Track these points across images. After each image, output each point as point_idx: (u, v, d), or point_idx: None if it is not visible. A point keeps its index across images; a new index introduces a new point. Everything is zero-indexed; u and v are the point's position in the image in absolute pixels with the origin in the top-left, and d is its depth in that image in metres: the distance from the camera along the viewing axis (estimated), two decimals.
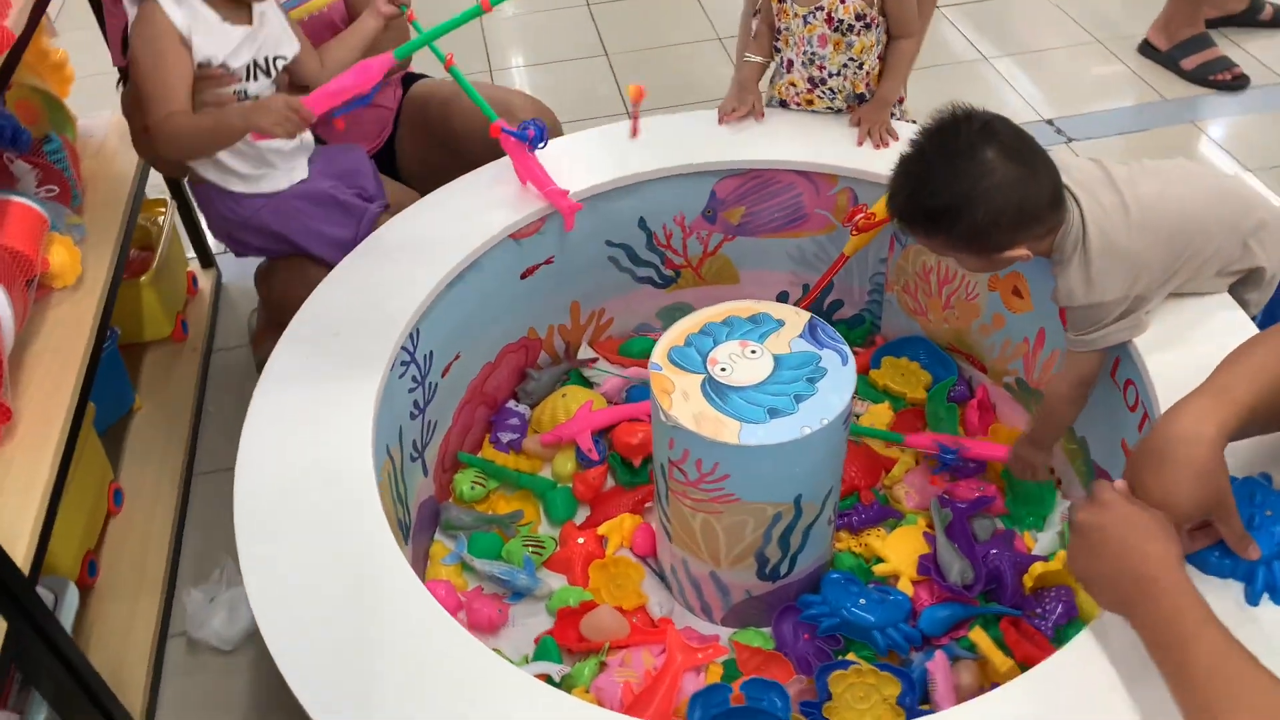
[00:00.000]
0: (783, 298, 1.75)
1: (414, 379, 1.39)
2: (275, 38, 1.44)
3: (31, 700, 1.30)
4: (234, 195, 1.49)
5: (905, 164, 1.20)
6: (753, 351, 1.23)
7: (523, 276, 1.56)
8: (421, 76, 1.87)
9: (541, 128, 1.50)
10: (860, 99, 1.61)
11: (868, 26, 1.54)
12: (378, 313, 1.35)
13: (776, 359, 1.21)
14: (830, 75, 1.58)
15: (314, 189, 1.51)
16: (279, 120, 1.30)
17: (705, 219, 1.65)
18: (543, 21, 3.05)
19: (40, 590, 1.30)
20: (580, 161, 1.58)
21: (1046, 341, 1.44)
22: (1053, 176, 1.17)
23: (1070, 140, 2.40)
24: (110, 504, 1.61)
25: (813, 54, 1.57)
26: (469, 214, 1.50)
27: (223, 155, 1.43)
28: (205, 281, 2.10)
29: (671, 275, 1.72)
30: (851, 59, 1.57)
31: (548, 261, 1.58)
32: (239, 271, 2.17)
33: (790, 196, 1.62)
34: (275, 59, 1.44)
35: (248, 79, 1.42)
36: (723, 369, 1.21)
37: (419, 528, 1.45)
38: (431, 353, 1.43)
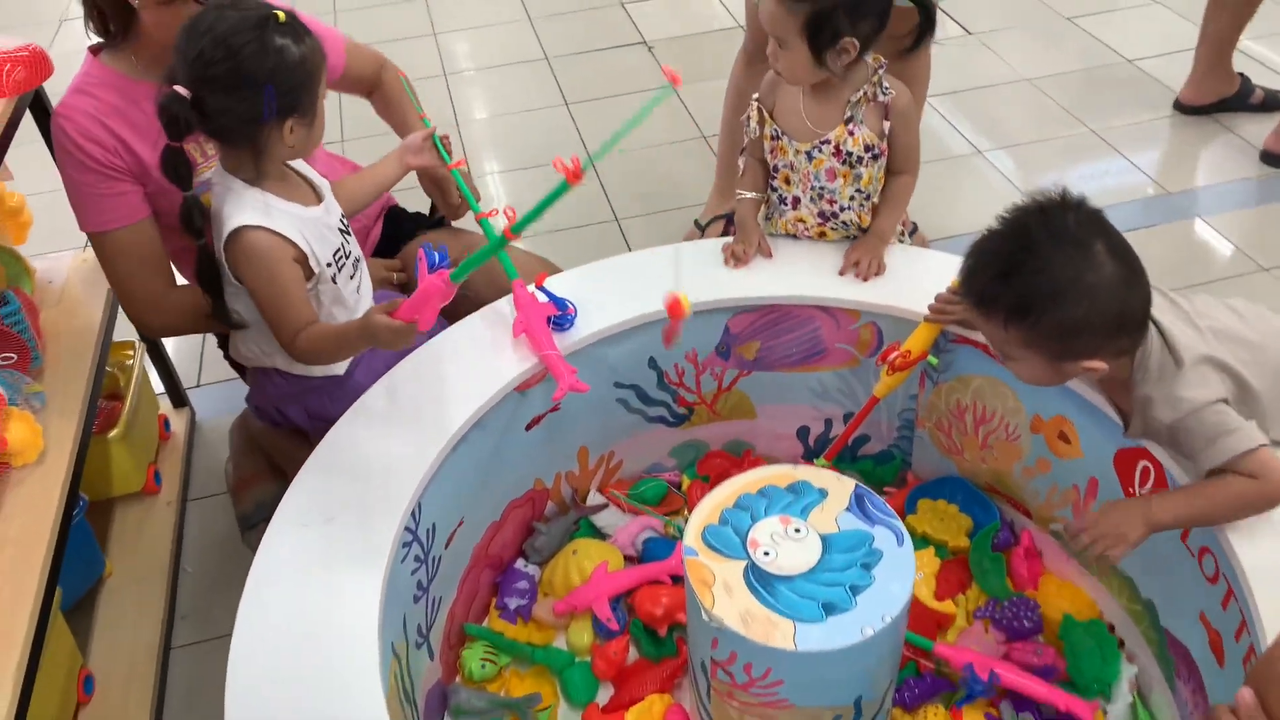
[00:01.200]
0: (803, 432, 1.64)
1: (416, 558, 1.26)
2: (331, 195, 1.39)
3: None
4: (296, 376, 1.41)
5: (994, 241, 1.10)
6: (796, 530, 1.11)
7: (527, 428, 1.45)
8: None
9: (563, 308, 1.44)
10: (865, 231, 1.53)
11: (875, 158, 1.47)
12: (376, 493, 1.22)
13: (824, 540, 1.10)
14: (842, 209, 1.50)
15: (378, 369, 1.42)
16: (393, 341, 1.19)
17: (719, 355, 1.55)
18: (517, 122, 2.97)
19: None
20: (588, 302, 1.48)
21: (1100, 492, 1.33)
22: (1148, 288, 1.09)
23: None
24: (80, 692, 1.45)
25: (822, 188, 1.49)
26: (469, 367, 1.38)
27: None
28: (178, 422, 1.96)
29: (684, 413, 1.61)
30: (859, 190, 1.49)
31: (553, 409, 1.46)
32: (214, 407, 2.04)
33: (809, 331, 1.52)
34: (341, 218, 1.39)
35: (345, 253, 1.37)
36: (766, 553, 1.09)
37: (426, 718, 1.31)
38: (434, 525, 1.30)
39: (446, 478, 1.30)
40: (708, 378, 1.57)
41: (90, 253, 1.71)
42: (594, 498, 1.60)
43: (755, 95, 1.52)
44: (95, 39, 1.41)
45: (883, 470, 1.63)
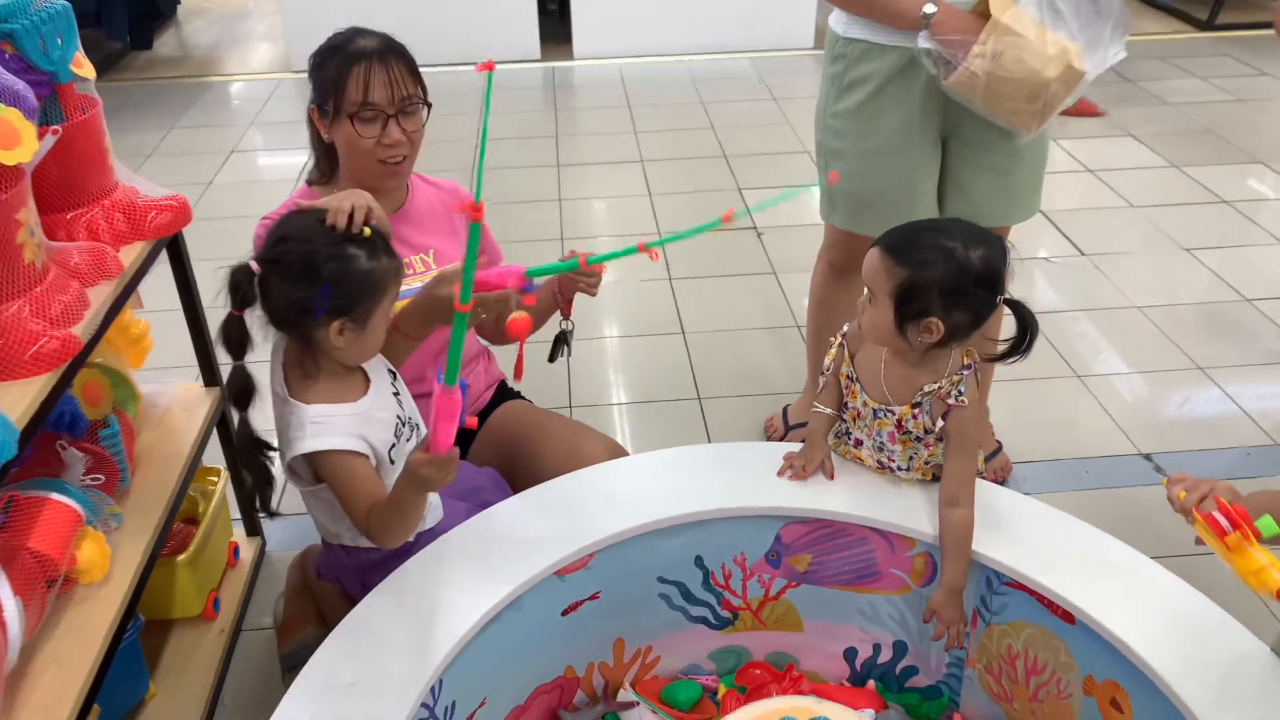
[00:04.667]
0: (850, 654, 1.59)
1: None
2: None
3: None
4: (362, 550, 1.48)
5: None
6: None
7: (564, 614, 1.45)
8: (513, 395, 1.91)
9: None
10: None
11: (937, 440, 1.46)
12: (400, 664, 1.23)
13: None
14: (899, 469, 1.50)
15: (449, 525, 1.47)
16: (434, 477, 1.21)
17: (769, 563, 1.53)
18: (627, 293, 3.08)
19: None
20: (636, 491, 1.50)
21: None
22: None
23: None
24: None
25: (882, 445, 1.49)
26: (513, 546, 1.41)
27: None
28: (248, 551, 2.03)
29: (729, 617, 1.58)
30: (916, 454, 1.48)
31: (592, 598, 1.47)
32: (286, 538, 2.11)
33: (862, 551, 1.50)
34: (394, 375, 1.46)
35: (402, 422, 1.43)
36: None
37: None
38: (454, 703, 1.30)
39: (474, 656, 1.31)
40: (755, 584, 1.56)
41: (199, 388, 1.85)
42: (625, 694, 1.58)
43: (845, 329, 1.51)
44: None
45: (929, 706, 1.56)
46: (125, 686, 1.61)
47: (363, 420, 1.36)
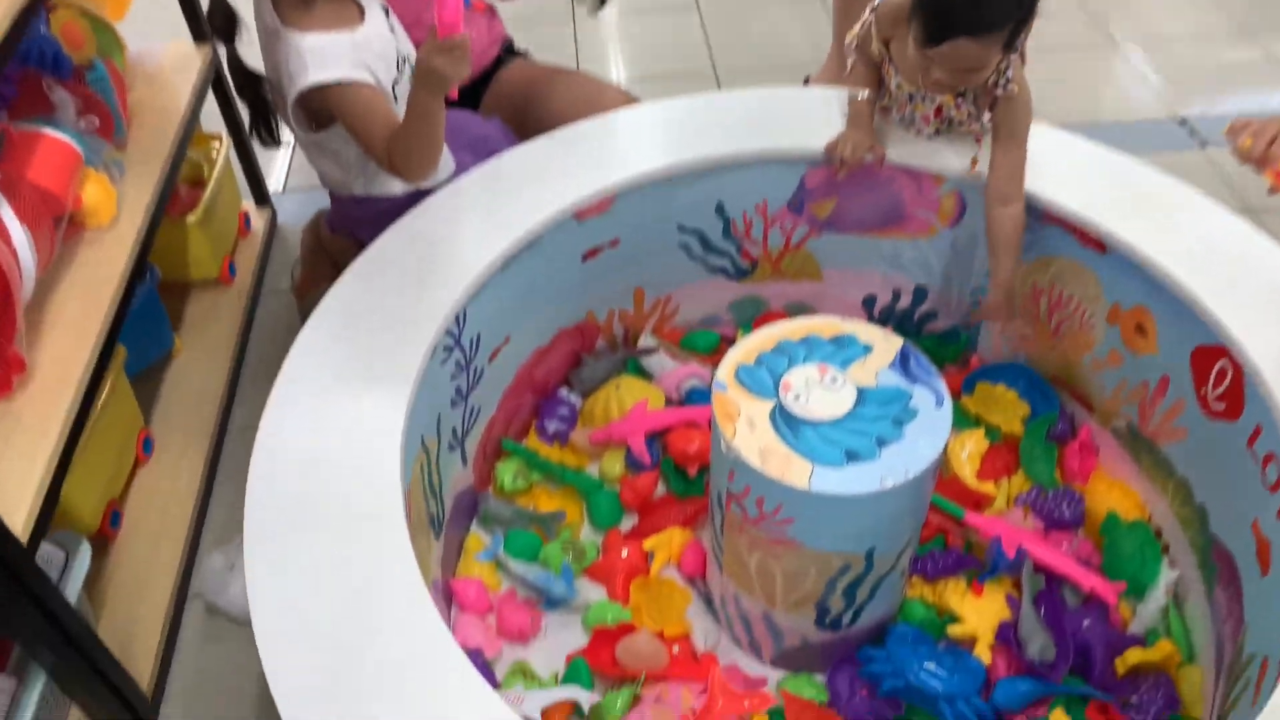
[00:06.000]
0: (870, 301, 1.59)
1: (458, 364, 1.27)
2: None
3: (31, 666, 1.23)
4: (374, 198, 1.42)
5: None
6: (833, 380, 1.08)
7: (584, 259, 1.43)
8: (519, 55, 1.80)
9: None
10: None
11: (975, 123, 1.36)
12: (420, 298, 1.22)
13: (860, 392, 1.06)
14: (927, 138, 1.41)
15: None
16: (447, 69, 1.11)
17: (791, 210, 1.49)
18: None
19: (49, 547, 1.23)
20: (657, 135, 1.43)
21: (1169, 391, 1.26)
22: None
23: (1205, 144, 2.16)
24: (139, 451, 1.54)
25: (912, 118, 1.40)
26: (531, 188, 1.36)
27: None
28: (259, 221, 2.00)
29: (747, 267, 1.57)
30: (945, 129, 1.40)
31: (612, 244, 1.44)
32: (296, 213, 2.07)
33: (889, 193, 1.45)
34: (386, 11, 1.36)
35: (402, 57, 1.35)
36: (796, 396, 1.06)
37: (454, 519, 1.35)
38: (479, 335, 1.30)
39: (495, 292, 1.29)
40: (776, 232, 1.52)
41: (189, 45, 1.74)
42: (646, 340, 1.59)
43: (876, 4, 1.36)
44: None
45: (946, 349, 1.57)
46: (149, 336, 1.62)
47: (363, 49, 1.27)
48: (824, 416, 1.04)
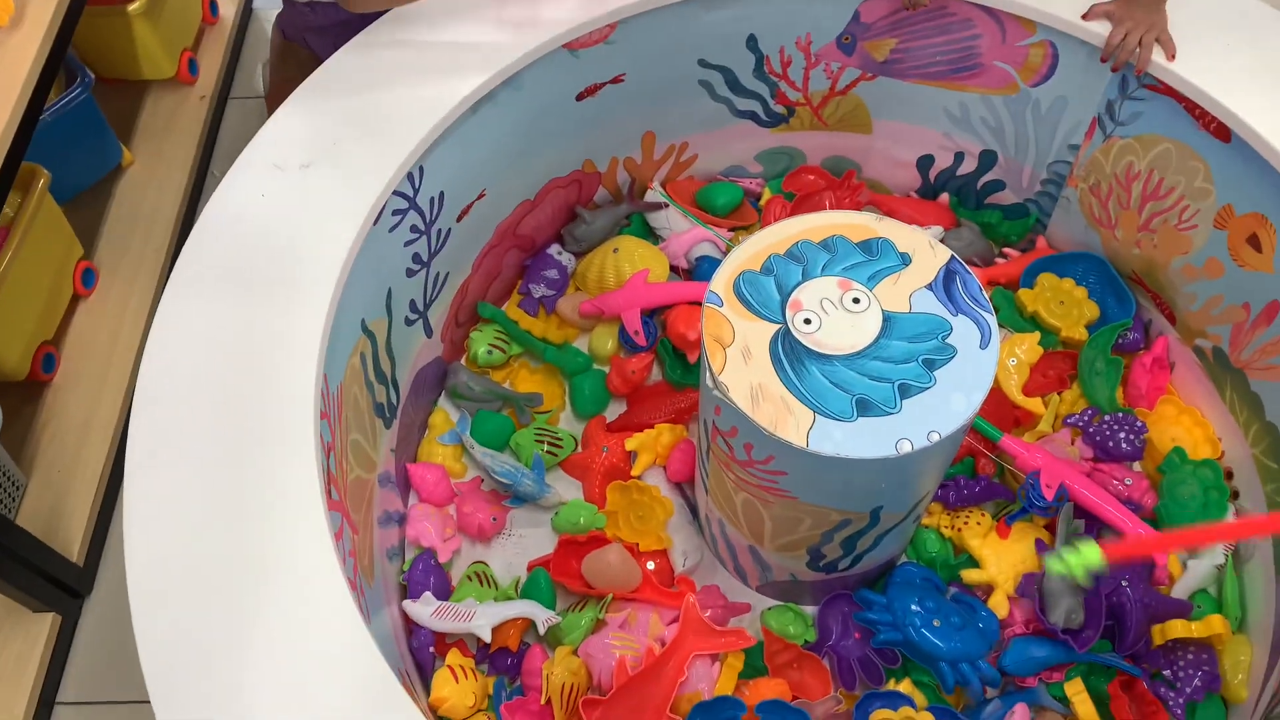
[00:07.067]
0: (925, 162, 1.33)
1: (414, 229, 1.07)
2: None
3: None
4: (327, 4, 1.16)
5: None
6: (855, 300, 0.86)
7: (579, 98, 1.18)
8: None
9: None
10: None
11: None
12: (368, 144, 1.00)
13: (887, 319, 0.85)
14: None
15: None
16: None
17: (840, 48, 1.22)
18: None
19: None
20: None
21: (1277, 320, 1.03)
22: None
23: None
24: (77, 284, 1.37)
25: None
26: (509, 8, 1.10)
27: None
28: (228, 6, 1.73)
29: (782, 113, 1.31)
30: None
31: (616, 80, 1.19)
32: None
33: (964, 37, 1.16)
34: None
35: None
36: (807, 320, 0.85)
37: (415, 395, 1.19)
38: (441, 194, 1.09)
39: (463, 141, 1.07)
40: (819, 73, 1.25)
41: None
42: (653, 194, 1.36)
43: None
44: None
45: (1010, 226, 1.33)
46: (87, 150, 1.42)
47: None
48: (838, 348, 0.84)
